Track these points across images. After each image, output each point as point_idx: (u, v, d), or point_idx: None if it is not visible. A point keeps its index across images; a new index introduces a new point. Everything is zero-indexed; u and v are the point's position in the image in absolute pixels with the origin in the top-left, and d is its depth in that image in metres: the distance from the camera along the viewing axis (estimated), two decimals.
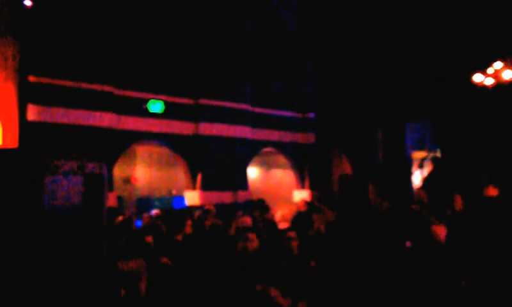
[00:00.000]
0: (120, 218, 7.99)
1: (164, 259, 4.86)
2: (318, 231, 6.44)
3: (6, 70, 9.06)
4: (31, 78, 9.75)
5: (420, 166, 16.15)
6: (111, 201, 10.11)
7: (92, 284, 2.82)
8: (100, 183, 2.92)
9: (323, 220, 6.94)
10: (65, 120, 10.13)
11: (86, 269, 2.85)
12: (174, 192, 13.56)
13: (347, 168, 15.04)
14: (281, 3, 15.05)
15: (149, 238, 5.21)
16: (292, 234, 5.87)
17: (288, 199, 14.46)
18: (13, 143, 9.03)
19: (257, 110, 14.11)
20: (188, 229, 6.70)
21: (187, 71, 12.57)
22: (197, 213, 9.53)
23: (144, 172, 14.59)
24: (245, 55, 13.79)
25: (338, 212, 7.73)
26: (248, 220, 7.09)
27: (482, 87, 11.83)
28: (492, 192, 4.55)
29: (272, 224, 7.56)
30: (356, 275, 4.76)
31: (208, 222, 7.26)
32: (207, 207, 8.14)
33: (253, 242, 5.64)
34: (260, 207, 9.32)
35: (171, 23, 12.38)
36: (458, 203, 6.34)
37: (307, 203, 10.01)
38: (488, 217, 4.09)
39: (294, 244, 5.75)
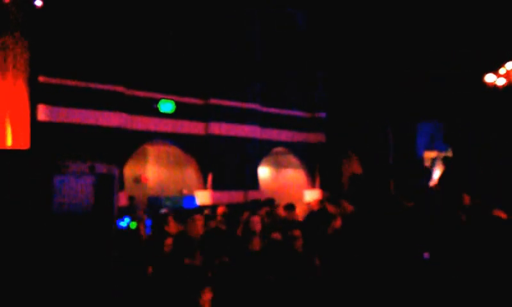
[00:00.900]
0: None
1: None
2: (336, 230, 6.31)
3: (17, 70, 9.02)
4: (41, 79, 9.71)
5: (431, 166, 15.99)
6: (122, 200, 10.07)
7: (101, 285, 2.74)
8: (111, 184, 2.83)
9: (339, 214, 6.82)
10: (76, 120, 10.09)
11: (96, 270, 2.77)
12: (185, 191, 13.49)
13: (357, 168, 14.92)
14: (292, 3, 14.93)
15: (169, 241, 5.14)
16: (297, 233, 5.76)
17: (299, 199, 14.34)
18: (25, 144, 9.00)
19: (267, 110, 14.02)
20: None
21: (198, 71, 12.49)
22: (206, 212, 9.45)
23: (155, 172, 14.54)
24: (255, 55, 13.70)
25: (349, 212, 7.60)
26: (257, 220, 6.97)
27: (494, 88, 11.66)
28: (501, 215, 4.46)
29: (289, 222, 7.41)
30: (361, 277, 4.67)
31: (212, 224, 7.14)
32: (221, 210, 8.00)
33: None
34: (269, 206, 9.19)
35: (182, 23, 12.31)
36: (466, 200, 6.21)
37: (320, 202, 9.88)
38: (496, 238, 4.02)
39: (299, 243, 5.65)
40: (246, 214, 7.81)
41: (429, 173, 14.39)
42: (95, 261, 2.69)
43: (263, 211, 8.36)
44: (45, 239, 2.39)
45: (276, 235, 5.56)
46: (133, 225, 8.21)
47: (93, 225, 2.65)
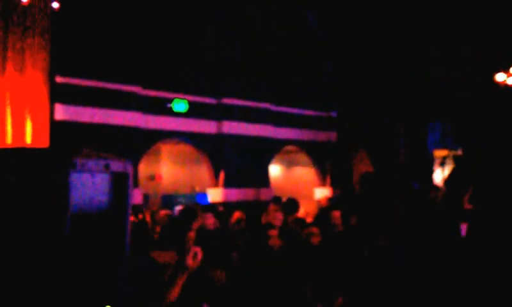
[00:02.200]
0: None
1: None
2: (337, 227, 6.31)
3: (35, 70, 9.14)
4: (58, 79, 9.82)
5: (442, 164, 15.87)
6: (136, 198, 10.14)
7: (115, 281, 2.77)
8: (126, 181, 2.86)
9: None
10: (92, 119, 10.19)
11: (110, 266, 2.81)
12: (197, 189, 13.56)
13: (368, 166, 14.85)
14: (303, 2, 14.89)
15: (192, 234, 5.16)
16: (315, 230, 5.77)
17: (309, 197, 14.33)
18: (43, 142, 9.12)
19: (279, 109, 14.02)
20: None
21: (211, 70, 12.55)
22: (220, 209, 9.49)
23: (168, 169, 14.63)
24: (267, 54, 13.69)
25: (359, 210, 7.58)
26: (279, 216, 6.95)
27: (505, 87, 11.56)
28: None
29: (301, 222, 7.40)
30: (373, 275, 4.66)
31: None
32: (237, 215, 7.95)
33: (275, 239, 5.56)
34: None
35: (194, 24, 12.35)
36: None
37: (329, 200, 9.89)
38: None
39: (316, 239, 5.66)
40: (271, 208, 7.77)
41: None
42: (109, 258, 2.72)
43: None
44: (62, 236, 2.42)
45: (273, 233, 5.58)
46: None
47: (108, 222, 2.69)
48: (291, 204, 8.07)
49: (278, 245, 5.45)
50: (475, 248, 4.15)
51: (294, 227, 6.62)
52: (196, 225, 6.10)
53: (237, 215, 7.77)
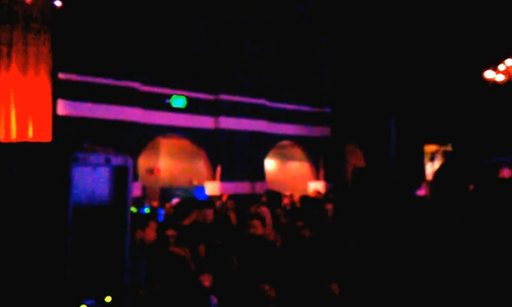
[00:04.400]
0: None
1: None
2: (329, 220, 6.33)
3: (39, 67, 9.12)
4: (61, 75, 9.80)
5: (431, 159, 15.91)
6: (136, 191, 10.16)
7: (116, 273, 2.78)
8: (126, 175, 2.85)
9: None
10: (93, 114, 10.18)
11: (112, 258, 2.81)
12: (195, 182, 13.56)
13: (360, 161, 14.89)
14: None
15: (170, 232, 5.15)
16: (256, 222, 5.75)
17: (303, 190, 14.36)
18: (46, 136, 9.11)
19: (274, 105, 14.04)
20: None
21: (208, 67, 12.53)
22: (217, 203, 9.51)
23: (167, 163, 14.61)
24: (264, 51, 13.67)
25: (350, 203, 7.57)
26: (264, 210, 6.99)
27: (494, 84, 11.60)
28: (506, 174, 4.32)
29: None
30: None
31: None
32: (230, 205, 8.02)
33: (257, 229, 5.54)
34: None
35: (192, 21, 12.32)
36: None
37: (319, 193, 9.93)
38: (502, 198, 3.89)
39: (306, 233, 5.68)
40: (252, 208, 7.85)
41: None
42: (112, 251, 2.73)
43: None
44: (65, 227, 2.43)
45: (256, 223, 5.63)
46: (147, 210, 8.46)
47: (109, 215, 2.70)
48: (273, 199, 8.11)
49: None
50: (470, 244, 4.14)
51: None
52: (192, 218, 6.12)
53: (229, 203, 7.96)
